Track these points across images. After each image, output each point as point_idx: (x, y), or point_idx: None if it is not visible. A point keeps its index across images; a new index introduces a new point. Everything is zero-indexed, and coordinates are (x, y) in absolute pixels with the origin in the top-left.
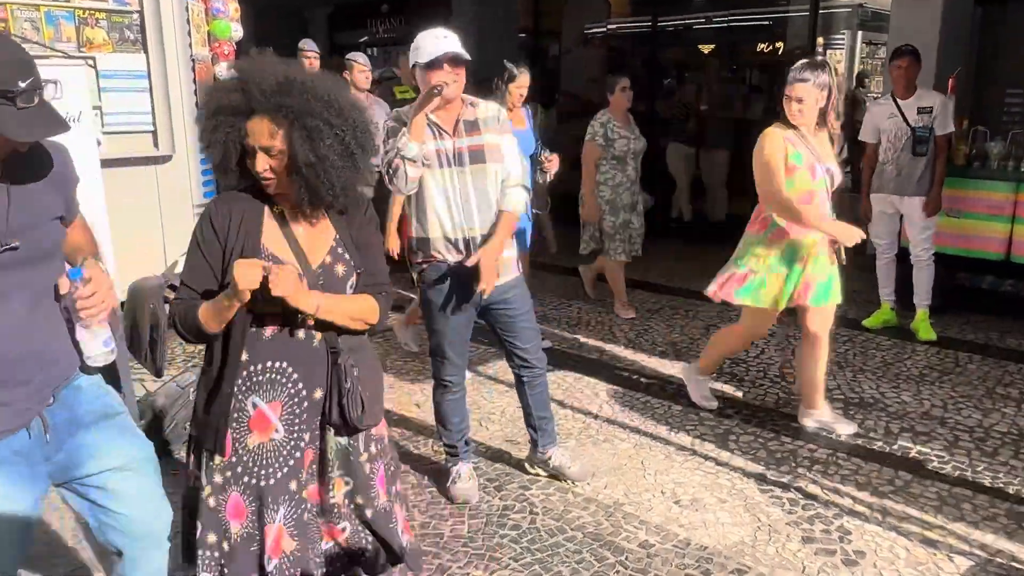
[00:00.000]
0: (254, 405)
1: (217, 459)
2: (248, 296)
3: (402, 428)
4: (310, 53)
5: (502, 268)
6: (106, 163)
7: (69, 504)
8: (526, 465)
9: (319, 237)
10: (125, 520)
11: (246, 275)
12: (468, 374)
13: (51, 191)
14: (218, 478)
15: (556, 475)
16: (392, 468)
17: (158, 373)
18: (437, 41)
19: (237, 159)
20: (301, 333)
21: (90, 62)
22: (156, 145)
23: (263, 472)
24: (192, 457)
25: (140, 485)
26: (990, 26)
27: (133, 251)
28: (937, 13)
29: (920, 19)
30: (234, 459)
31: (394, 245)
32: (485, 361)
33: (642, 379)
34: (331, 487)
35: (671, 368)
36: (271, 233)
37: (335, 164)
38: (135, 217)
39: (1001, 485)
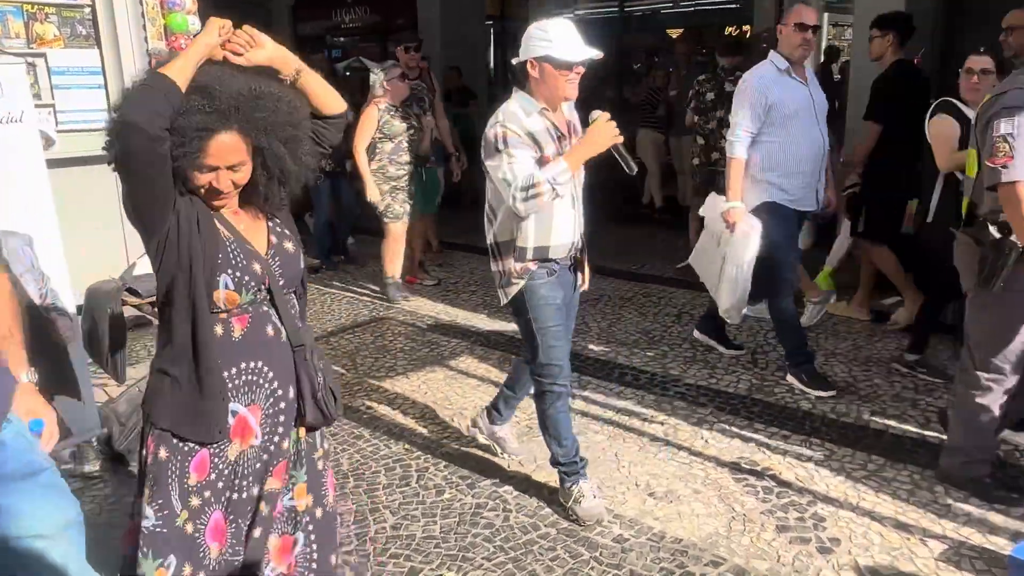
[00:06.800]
0: (234, 413)
1: (193, 478)
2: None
3: (371, 428)
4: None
5: (585, 273)
6: (62, 162)
7: None
8: (470, 419)
9: (254, 224)
10: None
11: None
12: (439, 370)
13: None
14: (195, 500)
15: (490, 445)
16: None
17: (120, 378)
18: (578, 45)
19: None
20: (270, 330)
21: (31, 60)
22: None
23: (244, 483)
24: (148, 488)
25: (65, 555)
26: (955, 4)
27: (91, 253)
28: None
29: None
30: (213, 475)
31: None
32: (457, 355)
33: (615, 369)
34: (291, 490)
35: (643, 357)
36: (221, 230)
37: (310, 166)
38: (93, 217)
39: None
